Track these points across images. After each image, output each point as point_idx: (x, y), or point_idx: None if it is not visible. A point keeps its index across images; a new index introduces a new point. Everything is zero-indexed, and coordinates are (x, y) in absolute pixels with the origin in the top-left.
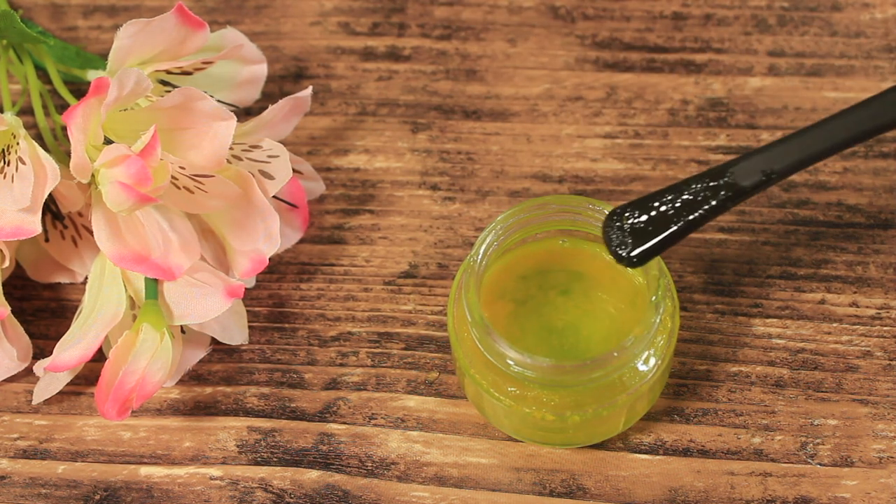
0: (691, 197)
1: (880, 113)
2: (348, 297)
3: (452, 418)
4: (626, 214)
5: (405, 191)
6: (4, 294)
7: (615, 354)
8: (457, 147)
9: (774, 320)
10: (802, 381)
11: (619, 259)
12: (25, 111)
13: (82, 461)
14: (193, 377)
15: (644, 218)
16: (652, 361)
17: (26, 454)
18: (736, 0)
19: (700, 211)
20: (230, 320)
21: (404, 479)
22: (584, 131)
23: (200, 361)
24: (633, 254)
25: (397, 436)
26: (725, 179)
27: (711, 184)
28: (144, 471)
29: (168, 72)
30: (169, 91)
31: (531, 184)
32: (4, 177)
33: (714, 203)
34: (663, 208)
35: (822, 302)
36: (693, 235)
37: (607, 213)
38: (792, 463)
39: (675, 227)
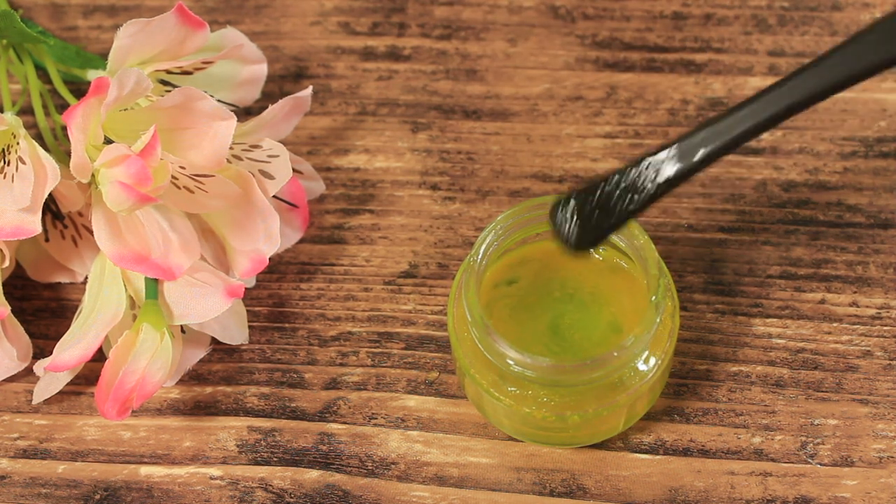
0: (636, 178)
1: (810, 83)
2: (348, 296)
3: (452, 418)
4: (572, 201)
5: (405, 190)
6: (4, 294)
7: (615, 354)
8: (457, 147)
9: (774, 320)
10: (802, 381)
11: (567, 246)
12: (25, 111)
13: (82, 461)
14: (193, 377)
15: (589, 204)
16: (652, 361)
17: (26, 454)
18: (736, 0)
19: (644, 193)
20: (230, 320)
21: (404, 479)
22: (584, 131)
23: (200, 361)
24: (579, 240)
25: (397, 436)
26: (667, 158)
27: (654, 164)
28: (144, 471)
29: (168, 72)
30: (169, 91)
31: (531, 184)
32: (4, 177)
33: (659, 183)
34: (608, 192)
35: (822, 302)
36: (693, 235)
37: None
38: (792, 463)
39: (620, 211)
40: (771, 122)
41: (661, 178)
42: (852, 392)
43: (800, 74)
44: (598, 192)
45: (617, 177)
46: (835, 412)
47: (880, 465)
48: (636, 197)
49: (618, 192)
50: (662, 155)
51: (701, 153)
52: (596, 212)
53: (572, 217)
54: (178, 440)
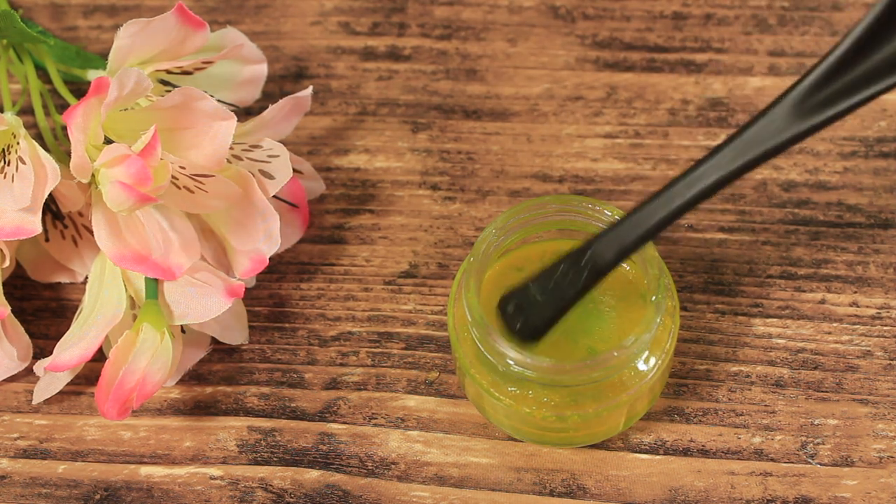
0: (562, 280)
1: (718, 169)
2: (348, 296)
3: (452, 418)
4: (510, 303)
5: (405, 190)
6: (4, 294)
7: (615, 354)
8: (457, 147)
9: (774, 320)
10: (802, 381)
11: (518, 339)
12: (25, 111)
13: (82, 461)
14: (193, 377)
15: (525, 304)
16: (652, 361)
17: (26, 454)
18: (736, 0)
19: (571, 293)
20: (230, 320)
21: (404, 479)
22: (584, 131)
23: (200, 361)
24: (525, 336)
25: (397, 436)
26: (586, 261)
27: (576, 265)
28: (144, 471)
29: (168, 71)
30: (169, 91)
31: (531, 184)
32: (5, 176)
33: (582, 284)
34: (539, 296)
35: (823, 302)
36: (693, 235)
37: (607, 213)
38: (792, 463)
39: (553, 313)
40: (684, 210)
41: (581, 280)
42: (852, 392)
43: (707, 161)
44: (533, 293)
45: (545, 278)
46: (835, 412)
47: (880, 465)
48: (569, 293)
49: (549, 292)
50: (581, 255)
51: (612, 255)
52: (533, 311)
53: (517, 313)
54: (178, 440)
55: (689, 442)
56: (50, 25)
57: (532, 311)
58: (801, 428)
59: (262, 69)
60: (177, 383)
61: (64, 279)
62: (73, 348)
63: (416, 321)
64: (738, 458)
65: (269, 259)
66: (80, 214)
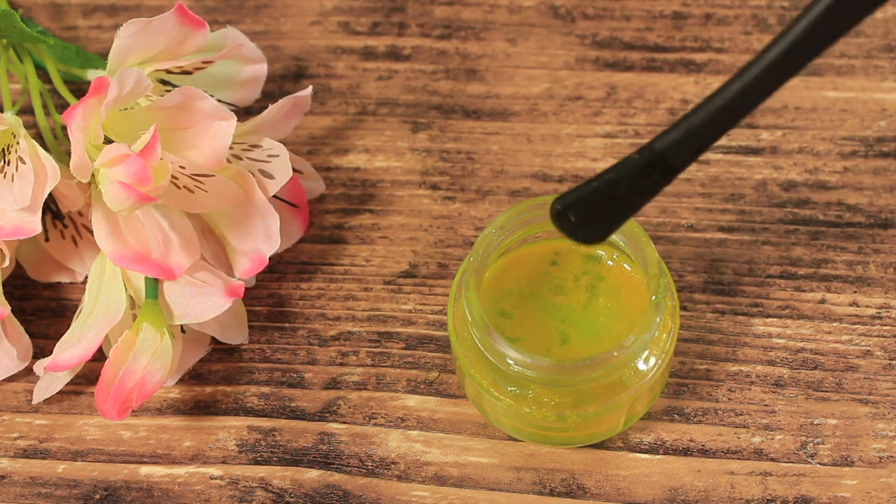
0: (629, 179)
1: (782, 66)
2: (348, 296)
3: (452, 418)
4: (569, 203)
5: (405, 190)
6: (4, 294)
7: (615, 354)
8: (457, 147)
9: (774, 320)
10: (802, 381)
11: (577, 241)
12: (25, 111)
13: (82, 461)
14: (193, 377)
15: (589, 203)
16: (652, 361)
17: (26, 454)
18: (736, 0)
19: (641, 195)
20: (230, 320)
21: (404, 479)
22: (584, 131)
23: (200, 361)
24: (589, 237)
25: (397, 435)
26: (656, 158)
27: (643, 163)
28: (144, 470)
29: (168, 71)
30: (169, 91)
31: (531, 183)
32: (4, 176)
33: (651, 184)
34: (606, 190)
35: (822, 301)
36: (693, 235)
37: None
38: (792, 462)
39: (624, 212)
40: (736, 117)
41: (649, 178)
42: (852, 392)
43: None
44: (592, 195)
45: (610, 174)
46: (835, 412)
47: (880, 465)
48: (635, 200)
49: (612, 189)
50: (646, 153)
51: (687, 154)
52: (598, 210)
53: (574, 225)
54: (178, 440)
55: (689, 442)
56: (50, 25)
57: (593, 217)
58: (801, 428)
59: (262, 69)
60: (177, 383)
61: (64, 279)
62: (73, 348)
63: (416, 321)
64: (738, 458)
65: (269, 259)
66: (80, 214)
